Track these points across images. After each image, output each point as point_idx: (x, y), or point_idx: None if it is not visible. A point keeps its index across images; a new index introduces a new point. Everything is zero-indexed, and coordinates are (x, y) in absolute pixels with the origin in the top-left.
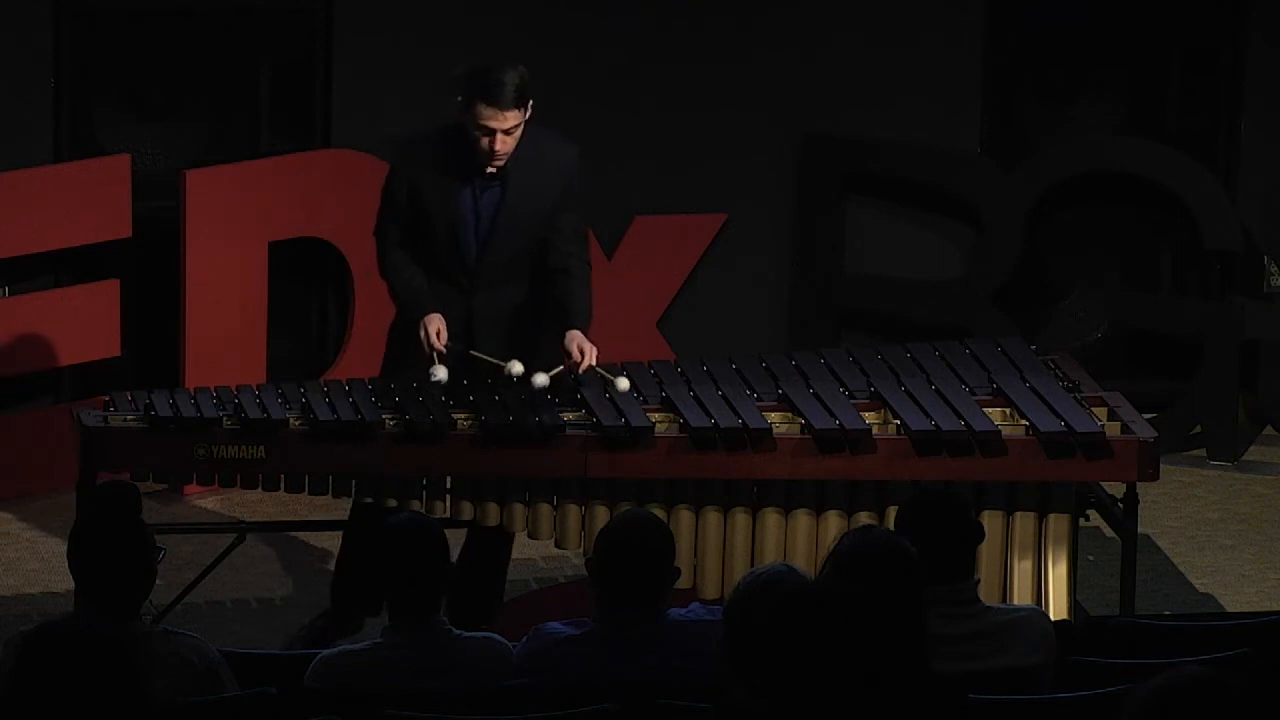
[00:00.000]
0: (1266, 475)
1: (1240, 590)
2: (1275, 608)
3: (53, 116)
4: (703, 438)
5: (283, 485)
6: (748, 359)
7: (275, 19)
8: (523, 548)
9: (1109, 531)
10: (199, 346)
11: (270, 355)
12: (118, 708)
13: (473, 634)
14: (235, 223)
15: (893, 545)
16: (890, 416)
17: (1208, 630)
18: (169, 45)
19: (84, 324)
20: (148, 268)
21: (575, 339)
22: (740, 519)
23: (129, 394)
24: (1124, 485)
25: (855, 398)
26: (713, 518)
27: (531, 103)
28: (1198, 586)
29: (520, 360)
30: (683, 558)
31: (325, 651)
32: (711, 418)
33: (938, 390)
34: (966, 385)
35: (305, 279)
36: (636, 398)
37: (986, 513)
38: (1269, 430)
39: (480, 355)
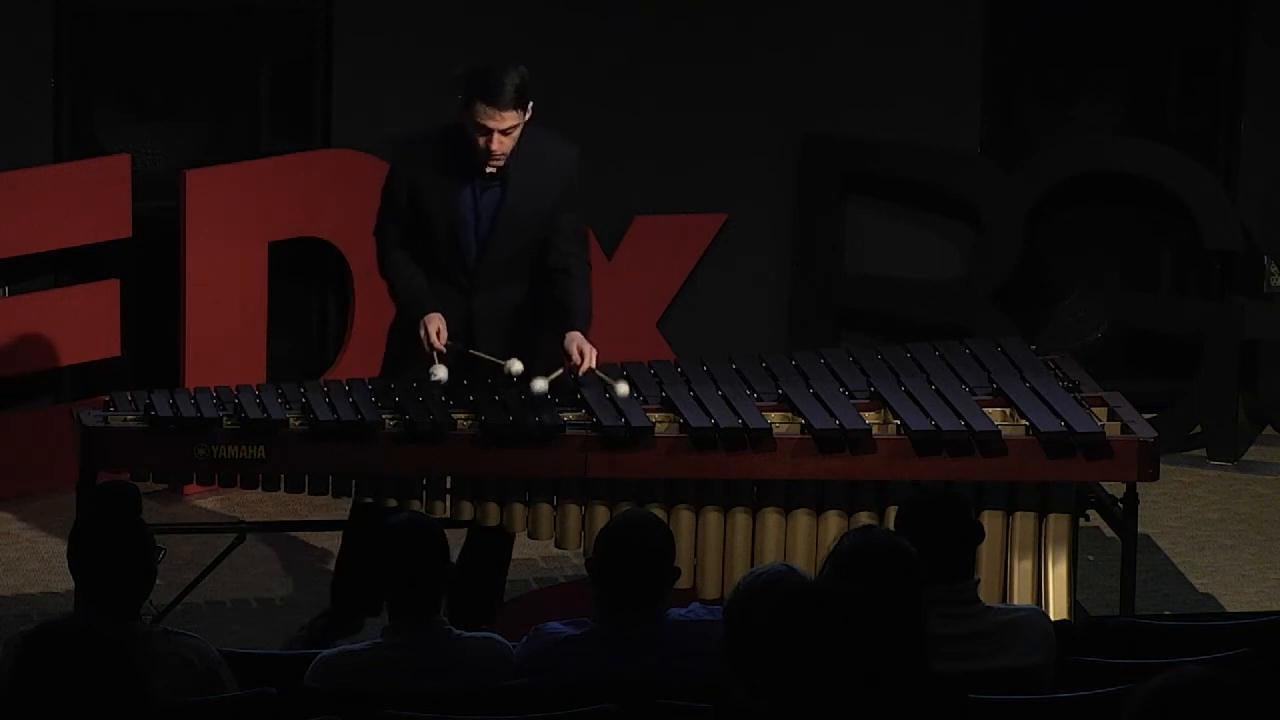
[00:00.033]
0: (1266, 475)
1: (1240, 590)
2: (1275, 608)
3: (53, 116)
4: (703, 438)
5: (283, 485)
6: (748, 359)
7: (275, 19)
8: (523, 548)
9: (1109, 531)
10: (199, 346)
11: (270, 355)
12: (118, 708)
13: (473, 634)
14: (235, 223)
15: (893, 545)
16: (890, 416)
17: (1208, 630)
18: (169, 45)
19: (84, 324)
20: (148, 268)
21: (575, 340)
22: (740, 519)
23: (129, 394)
24: (1124, 485)
25: (855, 398)
26: (713, 518)
27: (531, 104)
28: (1198, 586)
29: (520, 360)
30: (683, 558)
31: (325, 651)
32: (711, 418)
33: (938, 390)
34: (966, 385)
35: (305, 279)
36: (636, 398)
37: (986, 513)
38: (1269, 430)
39: (480, 354)
